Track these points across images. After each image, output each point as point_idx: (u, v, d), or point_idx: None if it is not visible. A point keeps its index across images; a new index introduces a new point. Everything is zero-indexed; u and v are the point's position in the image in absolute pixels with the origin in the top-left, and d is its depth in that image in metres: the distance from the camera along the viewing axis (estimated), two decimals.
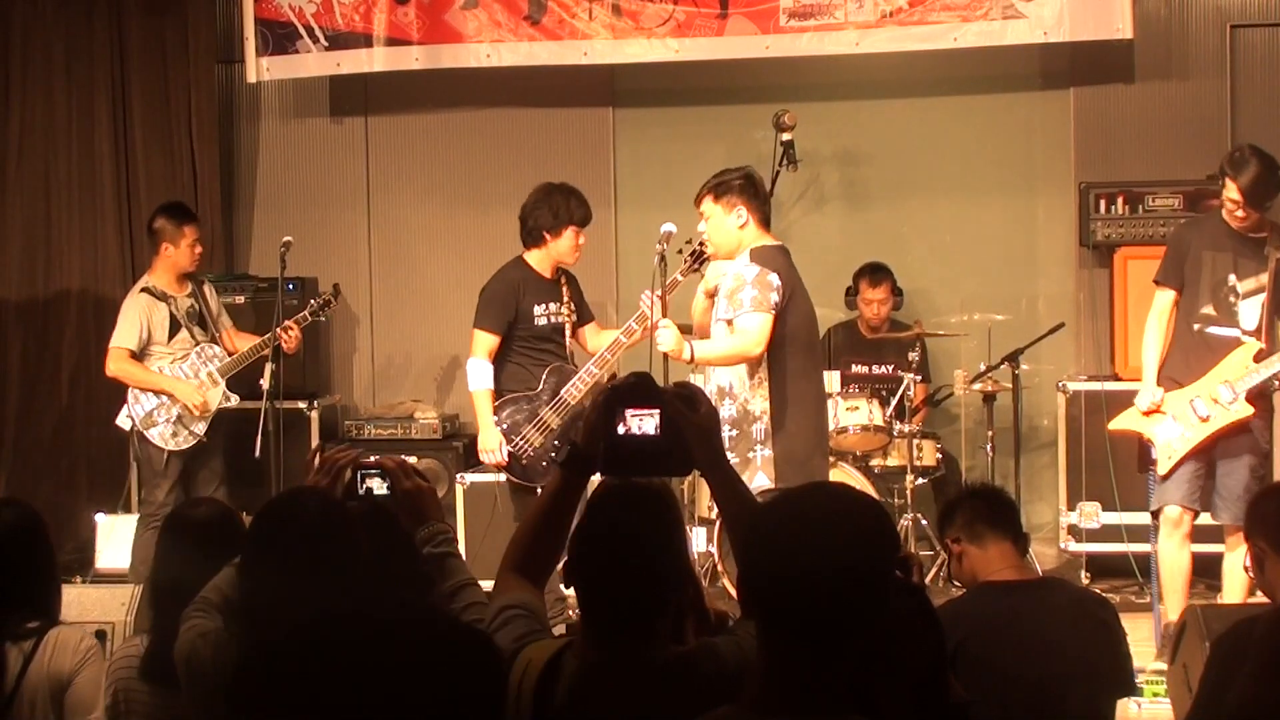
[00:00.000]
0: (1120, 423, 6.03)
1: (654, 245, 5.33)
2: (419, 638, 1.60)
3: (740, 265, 5.26)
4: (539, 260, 6.09)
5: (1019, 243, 7.82)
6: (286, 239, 6.68)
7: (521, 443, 6.00)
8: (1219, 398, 5.63)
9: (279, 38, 7.76)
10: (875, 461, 6.98)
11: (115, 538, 6.79)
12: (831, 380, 6.86)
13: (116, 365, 6.59)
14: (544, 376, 6.04)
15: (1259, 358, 5.60)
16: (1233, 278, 5.66)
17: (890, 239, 7.79)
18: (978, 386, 6.97)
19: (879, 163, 7.82)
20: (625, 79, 7.92)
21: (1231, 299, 5.67)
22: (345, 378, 8.19)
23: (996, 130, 7.77)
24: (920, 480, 6.93)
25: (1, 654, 3.26)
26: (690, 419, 2.62)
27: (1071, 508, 6.93)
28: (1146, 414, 5.82)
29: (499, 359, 6.06)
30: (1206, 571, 6.75)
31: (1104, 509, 6.85)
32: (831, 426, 6.78)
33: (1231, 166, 5.56)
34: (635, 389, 2.66)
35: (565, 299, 6.12)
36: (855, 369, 7.36)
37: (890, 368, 7.29)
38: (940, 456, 7.04)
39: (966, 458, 7.42)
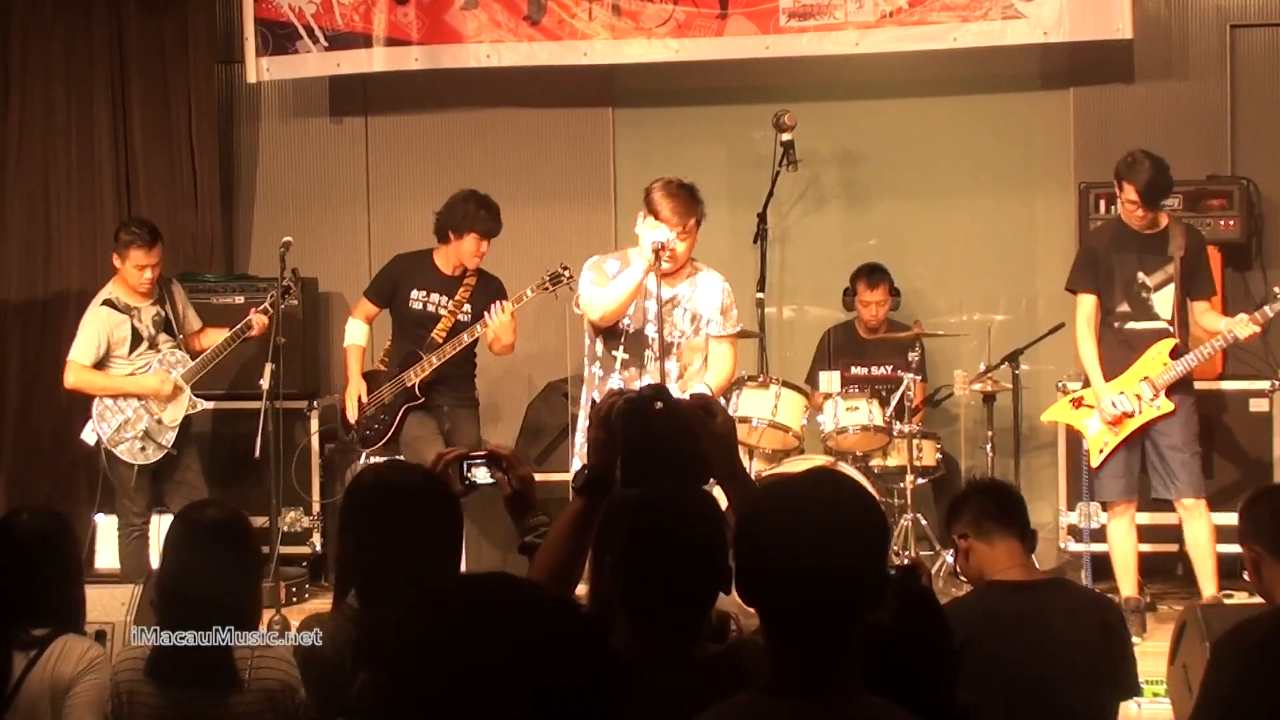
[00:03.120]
0: (1052, 414, 6.57)
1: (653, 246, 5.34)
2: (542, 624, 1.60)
3: (716, 281, 5.68)
4: (442, 255, 6.65)
5: (1019, 243, 7.82)
6: (286, 239, 6.68)
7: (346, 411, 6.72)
8: (1141, 394, 6.06)
9: (279, 38, 7.76)
10: (875, 461, 6.97)
11: (114, 538, 6.78)
12: (831, 380, 6.88)
13: (75, 377, 6.52)
14: (401, 357, 6.65)
15: (1175, 354, 6.04)
16: (1141, 275, 6.11)
17: (890, 239, 7.79)
18: (977, 386, 6.96)
19: (879, 163, 7.82)
20: (625, 79, 7.92)
21: (1144, 294, 6.13)
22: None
23: (996, 130, 7.77)
24: (920, 480, 6.92)
25: (6, 658, 3.25)
26: (709, 427, 2.64)
27: (1071, 508, 6.95)
28: (1078, 408, 6.27)
29: (391, 339, 6.81)
30: None
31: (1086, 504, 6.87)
32: (831, 427, 6.80)
33: (1127, 170, 6.04)
34: (651, 400, 2.67)
35: (458, 296, 6.59)
36: (854, 370, 7.35)
37: (890, 368, 7.29)
38: (940, 456, 7.03)
39: (966, 458, 7.41)
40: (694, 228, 5.47)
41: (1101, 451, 6.12)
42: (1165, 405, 6.02)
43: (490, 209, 6.55)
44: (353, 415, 6.68)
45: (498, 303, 6.35)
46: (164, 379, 6.50)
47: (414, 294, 6.62)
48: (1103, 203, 7.22)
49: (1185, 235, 6.12)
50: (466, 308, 6.59)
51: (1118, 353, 6.12)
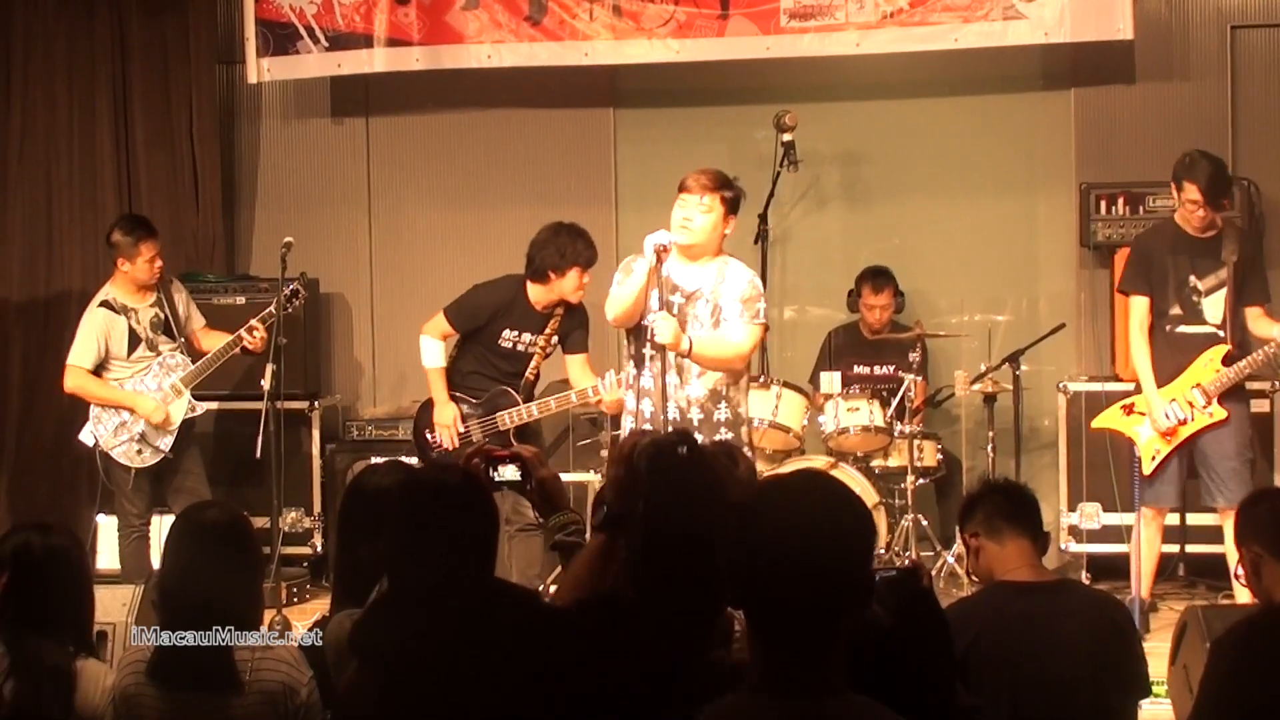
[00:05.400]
0: (1102, 421, 6.42)
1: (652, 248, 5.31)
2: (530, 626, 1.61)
3: (745, 272, 5.39)
4: (537, 293, 6.39)
5: (1020, 243, 7.82)
6: (287, 240, 6.67)
7: (435, 437, 6.47)
8: (1194, 402, 6.00)
9: (280, 38, 7.75)
10: (876, 462, 6.98)
11: (114, 539, 6.78)
12: (833, 381, 6.89)
13: (74, 382, 6.51)
14: (490, 392, 6.42)
15: (1227, 360, 5.98)
16: (1193, 278, 6.05)
17: (891, 239, 7.79)
18: (978, 387, 6.96)
19: (880, 163, 7.82)
20: (626, 80, 7.92)
21: (1195, 298, 6.07)
22: (346, 377, 8.19)
23: (997, 131, 7.77)
24: (921, 481, 6.93)
25: (57, 672, 3.26)
26: (732, 474, 2.65)
27: (1072, 508, 6.95)
28: (1129, 415, 6.19)
29: (460, 356, 6.54)
30: (1206, 571, 6.78)
31: (1104, 509, 6.87)
32: (832, 427, 6.81)
33: (1186, 171, 5.97)
34: (676, 445, 2.69)
35: (548, 331, 6.42)
36: (858, 369, 7.36)
37: (892, 368, 7.29)
38: (941, 457, 7.04)
39: (967, 458, 7.41)
40: (718, 204, 5.27)
41: (1154, 459, 6.06)
42: (1218, 413, 5.97)
43: (585, 238, 6.38)
44: (451, 442, 6.39)
45: (613, 375, 6.09)
46: (159, 407, 6.48)
47: (506, 333, 6.40)
48: (1103, 203, 7.22)
49: (1239, 240, 6.07)
50: (555, 339, 6.46)
51: (1168, 356, 6.06)
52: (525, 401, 6.40)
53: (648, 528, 2.66)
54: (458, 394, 6.47)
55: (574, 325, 6.49)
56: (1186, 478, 6.13)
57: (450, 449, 6.36)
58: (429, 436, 6.52)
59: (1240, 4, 7.46)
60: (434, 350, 6.52)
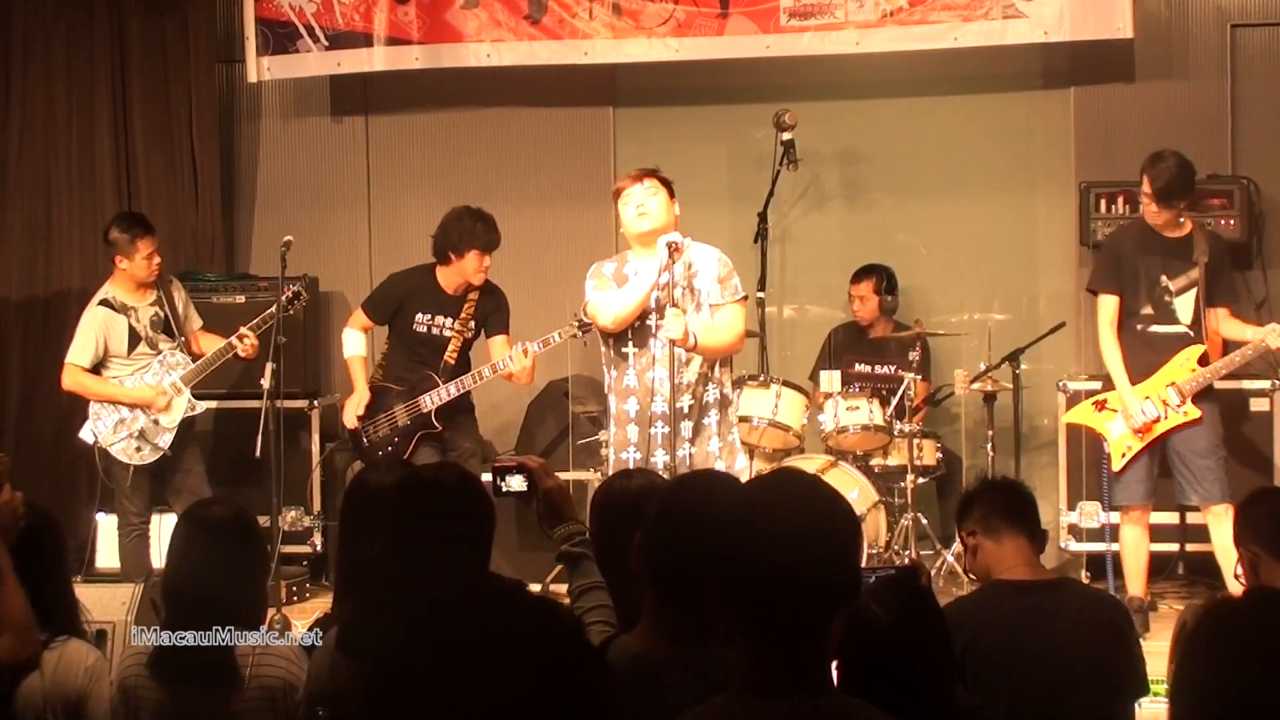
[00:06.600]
0: (1074, 416, 6.52)
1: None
2: (516, 620, 1.61)
3: (713, 251, 5.50)
4: (444, 275, 6.59)
5: (1019, 242, 7.82)
6: (287, 238, 6.67)
7: (369, 426, 6.66)
8: (1168, 400, 6.03)
9: (279, 37, 7.76)
10: (875, 461, 6.98)
11: (114, 537, 6.78)
12: (833, 379, 6.89)
13: (71, 380, 6.52)
14: (413, 378, 6.61)
15: (1202, 361, 6.02)
16: (1164, 278, 6.08)
17: (891, 238, 7.80)
18: (978, 386, 6.96)
19: (879, 162, 7.82)
20: (626, 78, 7.92)
21: (1166, 298, 6.10)
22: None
23: (997, 130, 7.77)
24: (920, 480, 6.93)
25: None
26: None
27: (1072, 507, 6.95)
28: (1101, 411, 6.24)
29: (390, 350, 6.78)
30: (1206, 570, 6.77)
31: (1104, 508, 6.86)
32: (831, 426, 6.81)
33: (1150, 165, 6.02)
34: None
35: (463, 315, 6.58)
36: (857, 368, 7.36)
37: (893, 367, 7.29)
38: (940, 456, 7.04)
39: (967, 457, 7.41)
40: (659, 186, 5.39)
41: (1124, 456, 6.11)
42: (1192, 412, 6.00)
43: (486, 222, 6.51)
44: (350, 422, 6.67)
45: (520, 345, 6.28)
46: (158, 392, 6.49)
47: (419, 317, 6.59)
48: (1103, 202, 7.23)
49: (1209, 241, 6.09)
50: (472, 324, 6.60)
51: (1141, 355, 6.09)
52: (440, 383, 6.53)
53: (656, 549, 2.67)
54: (390, 385, 6.65)
55: (491, 309, 6.63)
56: (1158, 476, 6.17)
57: (351, 426, 6.65)
58: (349, 427, 6.71)
59: (1240, 2, 7.46)
60: (351, 341, 6.80)
